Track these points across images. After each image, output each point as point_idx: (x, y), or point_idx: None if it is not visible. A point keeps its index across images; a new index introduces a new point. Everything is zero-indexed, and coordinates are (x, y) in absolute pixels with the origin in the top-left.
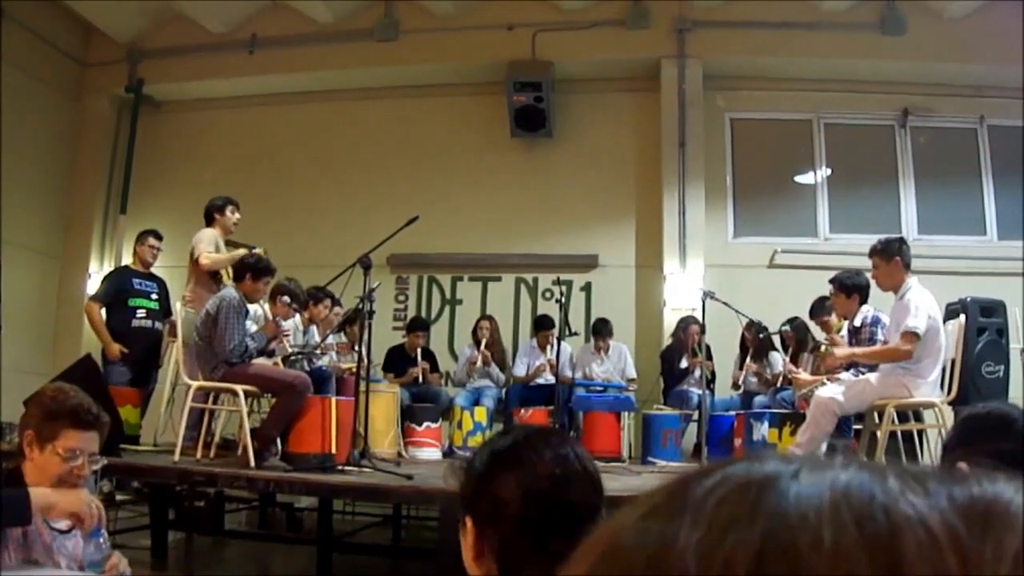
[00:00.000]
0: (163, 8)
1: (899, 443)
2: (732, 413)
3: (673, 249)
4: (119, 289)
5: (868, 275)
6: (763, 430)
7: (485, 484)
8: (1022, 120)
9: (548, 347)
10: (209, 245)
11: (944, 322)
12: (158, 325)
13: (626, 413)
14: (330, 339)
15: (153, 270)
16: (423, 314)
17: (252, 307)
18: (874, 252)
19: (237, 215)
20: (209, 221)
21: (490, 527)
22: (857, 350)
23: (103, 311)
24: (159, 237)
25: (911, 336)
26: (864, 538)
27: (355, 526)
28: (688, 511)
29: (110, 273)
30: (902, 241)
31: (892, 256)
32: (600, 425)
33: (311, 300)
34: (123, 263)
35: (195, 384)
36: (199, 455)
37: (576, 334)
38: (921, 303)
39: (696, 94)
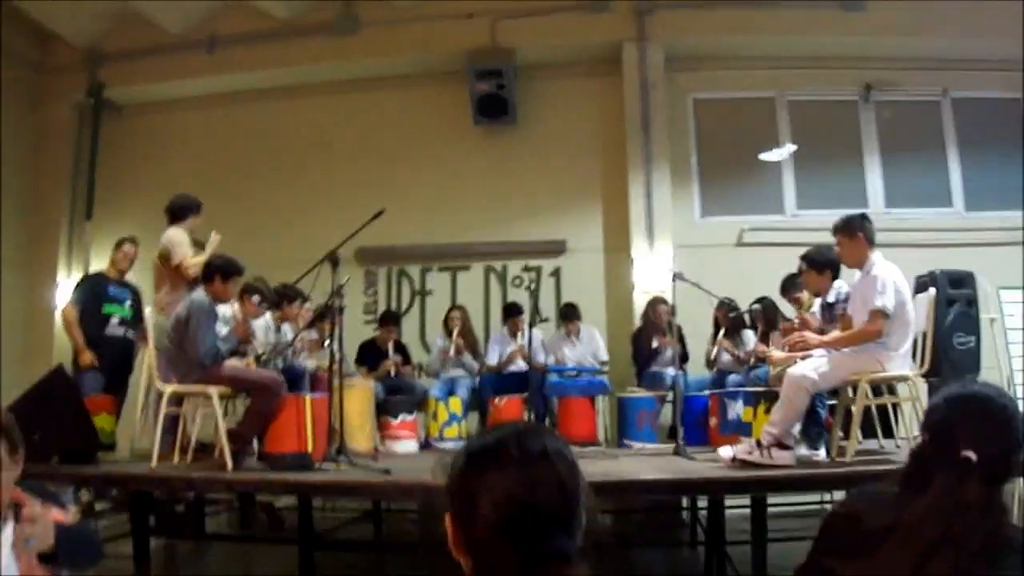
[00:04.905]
0: (120, 10)
1: (874, 417)
2: (706, 393)
3: (641, 231)
4: (94, 295)
5: None
6: (738, 409)
7: (460, 483)
8: (985, 92)
9: (519, 334)
10: (187, 248)
11: (914, 295)
12: (130, 333)
13: (601, 397)
14: (301, 336)
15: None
16: (393, 306)
17: (222, 308)
18: (837, 230)
19: (201, 219)
20: (178, 219)
21: (465, 524)
22: (827, 338)
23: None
24: (135, 243)
25: (879, 314)
26: None
27: (336, 522)
28: None
29: (84, 278)
30: (864, 217)
31: (855, 232)
32: (575, 410)
33: (283, 299)
34: (91, 270)
35: (169, 389)
36: (176, 460)
37: (547, 320)
38: (887, 278)
39: (658, 76)
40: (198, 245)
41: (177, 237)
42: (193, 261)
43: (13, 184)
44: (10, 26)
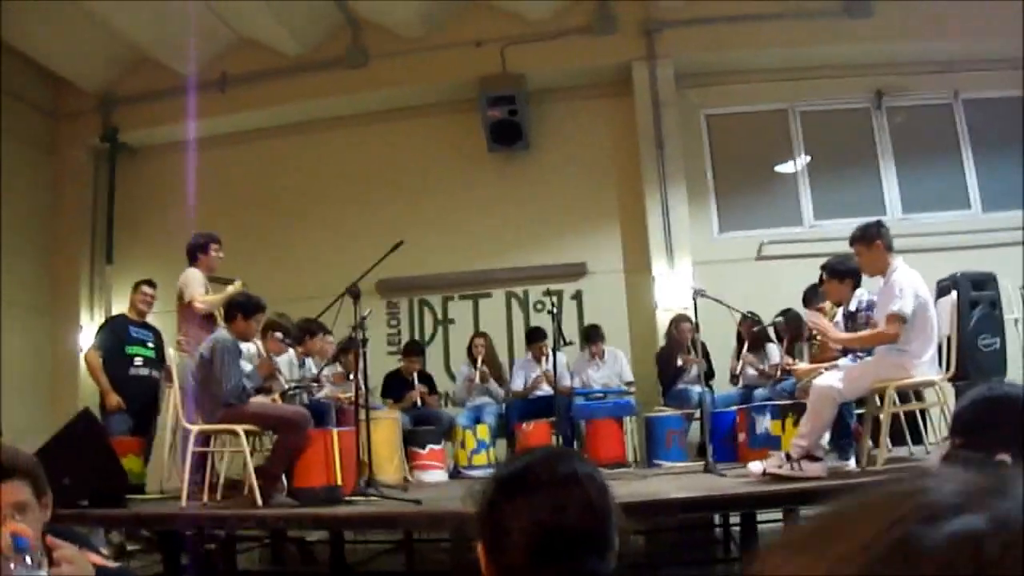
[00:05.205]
0: (131, 54)
1: (903, 424)
2: (734, 408)
3: (660, 250)
4: (116, 337)
5: None
6: (766, 423)
7: (490, 511)
8: (996, 92)
9: (543, 358)
10: (199, 287)
11: (936, 299)
12: (155, 373)
13: (628, 417)
14: (326, 370)
15: (147, 318)
16: (416, 336)
17: (246, 345)
18: (854, 240)
19: (220, 253)
20: (193, 260)
21: (496, 552)
22: (845, 336)
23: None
24: (153, 285)
25: (895, 318)
26: None
27: (368, 554)
28: None
29: (106, 321)
30: (880, 224)
31: (872, 241)
32: (603, 432)
33: (306, 333)
34: (113, 313)
35: (195, 428)
36: (206, 498)
37: (571, 343)
38: (906, 284)
39: (669, 94)
40: (222, 282)
41: (190, 276)
42: (204, 299)
43: (33, 230)
44: (24, 74)
